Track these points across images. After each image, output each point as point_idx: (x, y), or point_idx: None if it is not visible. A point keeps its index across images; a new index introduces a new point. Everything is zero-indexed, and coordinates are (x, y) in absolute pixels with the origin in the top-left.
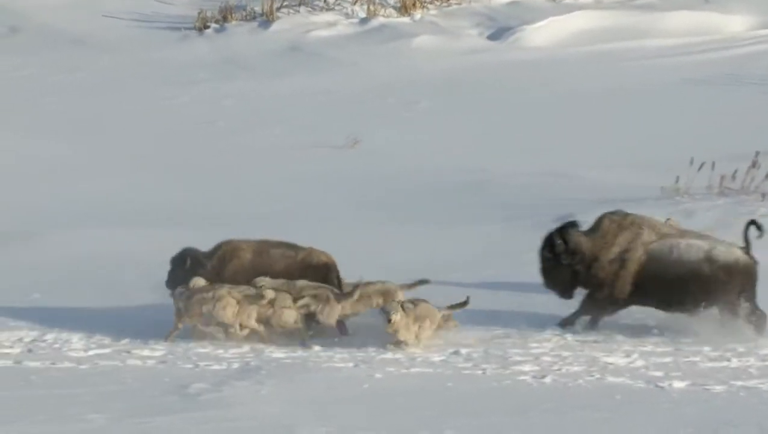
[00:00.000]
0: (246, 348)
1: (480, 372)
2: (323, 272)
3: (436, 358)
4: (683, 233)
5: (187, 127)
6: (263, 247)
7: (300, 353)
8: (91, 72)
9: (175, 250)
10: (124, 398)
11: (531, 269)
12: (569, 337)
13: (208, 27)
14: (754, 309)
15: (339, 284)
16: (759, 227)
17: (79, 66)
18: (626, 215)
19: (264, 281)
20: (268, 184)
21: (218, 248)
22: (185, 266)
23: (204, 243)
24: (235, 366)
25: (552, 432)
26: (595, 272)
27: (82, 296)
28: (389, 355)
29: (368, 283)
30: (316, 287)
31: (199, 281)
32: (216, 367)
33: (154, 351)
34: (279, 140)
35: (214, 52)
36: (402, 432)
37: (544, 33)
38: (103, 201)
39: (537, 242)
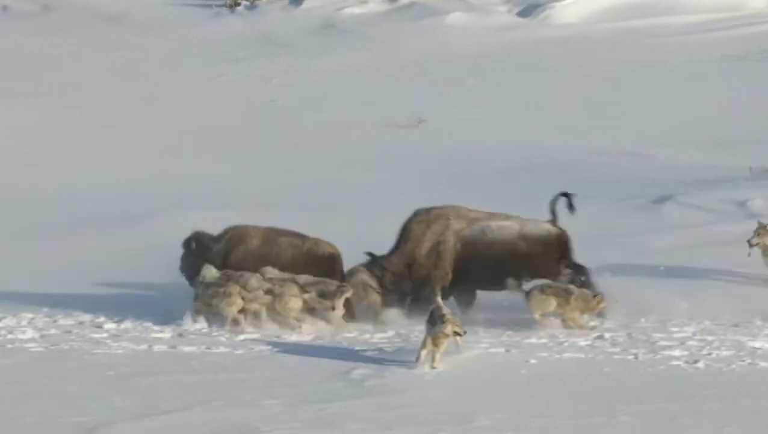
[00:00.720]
0: (391, 332)
1: (631, 357)
2: (328, 264)
3: (583, 343)
4: (491, 216)
5: (242, 106)
6: (271, 234)
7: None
8: (131, 50)
9: None
10: (291, 384)
11: (644, 252)
12: (707, 322)
13: (239, 4)
14: (579, 272)
15: (342, 276)
16: (569, 199)
17: (118, 44)
18: (429, 210)
19: (272, 272)
20: (340, 164)
21: (226, 232)
22: (192, 249)
23: (301, 227)
24: (388, 350)
25: (723, 419)
26: (417, 273)
27: None
28: (534, 340)
29: None
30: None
31: (209, 271)
32: (370, 352)
33: (302, 337)
34: (340, 119)
35: (247, 29)
36: (577, 417)
37: (574, 9)
38: (190, 184)
39: (645, 224)
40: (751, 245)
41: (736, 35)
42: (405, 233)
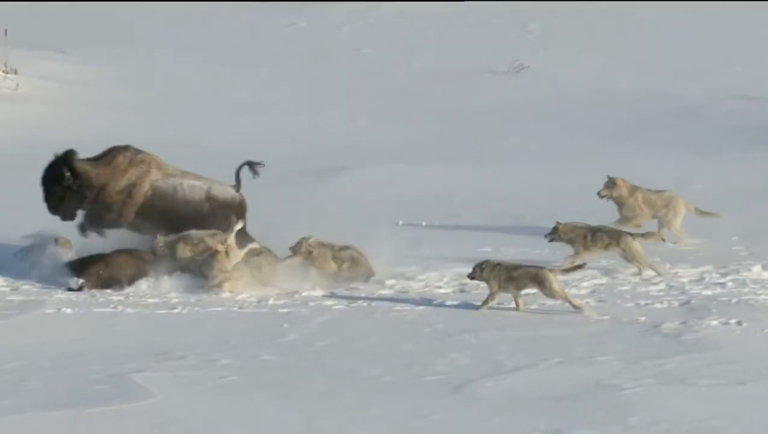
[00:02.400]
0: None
1: None
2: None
3: None
4: (184, 174)
5: (329, 55)
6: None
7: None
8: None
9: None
10: (613, 340)
11: None
12: None
13: None
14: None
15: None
16: (253, 168)
17: None
18: (138, 152)
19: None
20: (460, 115)
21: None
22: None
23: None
24: (675, 304)
25: None
26: (103, 198)
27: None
28: None
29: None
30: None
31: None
32: (658, 305)
33: (579, 289)
34: (435, 66)
35: None
36: None
37: None
38: (346, 139)
39: None
40: (600, 197)
41: None
42: (110, 157)
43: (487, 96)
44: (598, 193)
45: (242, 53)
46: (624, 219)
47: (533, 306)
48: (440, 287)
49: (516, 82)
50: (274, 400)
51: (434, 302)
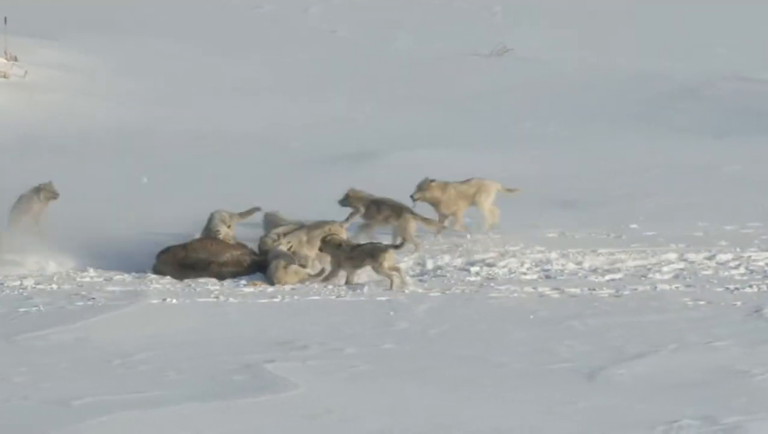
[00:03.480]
0: None
1: None
2: None
3: None
4: None
5: (305, 38)
6: None
7: None
8: None
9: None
10: (706, 325)
11: None
12: None
13: None
14: None
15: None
16: None
17: None
18: None
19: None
20: (454, 99)
21: None
22: None
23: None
24: (764, 288)
25: None
26: None
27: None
28: None
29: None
30: None
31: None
32: (748, 289)
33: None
34: (417, 49)
35: None
36: None
37: None
38: (364, 124)
39: None
40: (414, 200)
41: None
42: None
43: (477, 79)
44: (412, 196)
45: (214, 38)
46: (443, 217)
47: (609, 291)
48: (525, 274)
49: (502, 65)
50: (415, 389)
51: (525, 288)
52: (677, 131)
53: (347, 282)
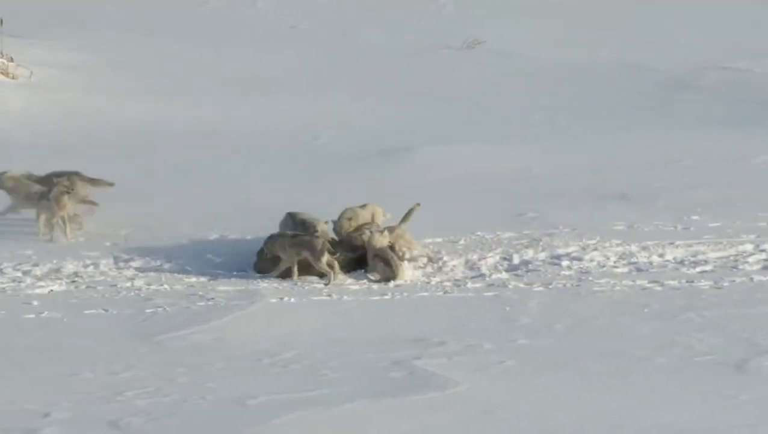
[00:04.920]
0: None
1: None
2: None
3: None
4: None
5: (267, 33)
6: None
7: None
8: None
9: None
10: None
11: None
12: None
13: None
14: None
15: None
16: None
17: None
18: None
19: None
20: (441, 94)
21: None
22: None
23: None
24: None
25: None
26: None
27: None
28: None
29: None
30: None
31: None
32: None
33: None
34: (386, 43)
35: None
36: None
37: None
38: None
39: None
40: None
41: None
42: None
43: (456, 73)
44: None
45: (175, 33)
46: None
47: (707, 282)
48: (615, 267)
49: (475, 59)
50: (570, 384)
51: (624, 281)
52: (682, 121)
53: (291, 276)
